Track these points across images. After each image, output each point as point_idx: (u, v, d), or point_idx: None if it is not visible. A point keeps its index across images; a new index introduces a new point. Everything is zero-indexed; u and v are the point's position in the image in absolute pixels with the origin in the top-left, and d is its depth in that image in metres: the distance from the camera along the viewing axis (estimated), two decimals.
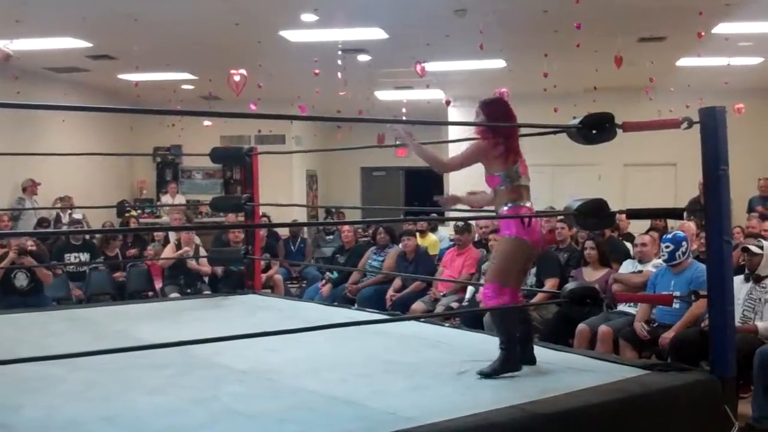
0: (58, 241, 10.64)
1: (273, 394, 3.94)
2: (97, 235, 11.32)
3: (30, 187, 13.03)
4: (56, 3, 9.39)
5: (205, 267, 9.99)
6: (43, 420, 3.54)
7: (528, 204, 4.37)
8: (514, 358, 4.26)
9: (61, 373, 4.18)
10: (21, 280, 8.57)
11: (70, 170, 14.09)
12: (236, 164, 14.44)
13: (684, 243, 6.57)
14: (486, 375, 4.21)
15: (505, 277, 4.32)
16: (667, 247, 6.57)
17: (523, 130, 5.02)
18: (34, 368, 3.97)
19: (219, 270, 10.05)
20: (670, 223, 9.50)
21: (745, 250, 6.08)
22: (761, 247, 6.07)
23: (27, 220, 12.56)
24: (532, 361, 4.46)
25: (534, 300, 7.29)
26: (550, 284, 7.35)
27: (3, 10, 9.58)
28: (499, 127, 4.38)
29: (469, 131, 4.54)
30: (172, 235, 11.60)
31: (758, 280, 5.99)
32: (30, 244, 8.59)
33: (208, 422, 3.49)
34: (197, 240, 10.59)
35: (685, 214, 7.63)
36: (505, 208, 4.38)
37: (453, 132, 15.32)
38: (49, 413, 3.62)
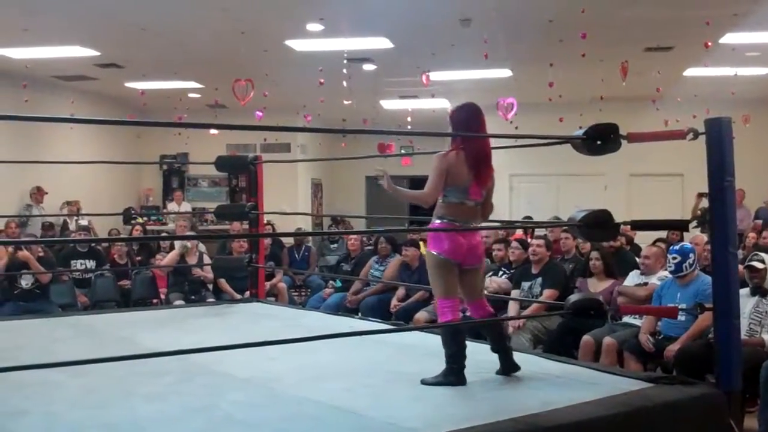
0: (65, 247, 10.65)
1: (274, 403, 3.92)
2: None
3: (35, 195, 13.17)
4: (64, 12, 9.42)
5: (209, 274, 9.97)
6: (44, 426, 3.54)
7: (457, 224, 4.32)
8: (458, 372, 4.27)
9: (64, 380, 4.19)
10: (27, 279, 8.70)
11: (78, 178, 14.15)
12: (241, 172, 14.38)
13: (691, 255, 6.52)
14: (428, 384, 4.23)
15: (438, 289, 4.38)
16: (674, 258, 6.52)
17: (527, 141, 4.99)
18: (37, 374, 3.98)
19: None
20: (687, 236, 9.33)
21: (749, 268, 6.05)
22: (763, 261, 6.05)
23: (34, 227, 12.67)
24: (514, 368, 4.47)
25: (530, 311, 7.30)
26: (547, 295, 7.29)
27: (12, 19, 9.63)
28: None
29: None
30: (176, 242, 11.58)
31: (765, 293, 5.97)
32: (38, 251, 8.68)
33: (208, 430, 3.48)
34: (202, 247, 10.58)
35: (691, 225, 7.56)
36: (437, 222, 4.39)
37: None
38: (50, 420, 3.63)
